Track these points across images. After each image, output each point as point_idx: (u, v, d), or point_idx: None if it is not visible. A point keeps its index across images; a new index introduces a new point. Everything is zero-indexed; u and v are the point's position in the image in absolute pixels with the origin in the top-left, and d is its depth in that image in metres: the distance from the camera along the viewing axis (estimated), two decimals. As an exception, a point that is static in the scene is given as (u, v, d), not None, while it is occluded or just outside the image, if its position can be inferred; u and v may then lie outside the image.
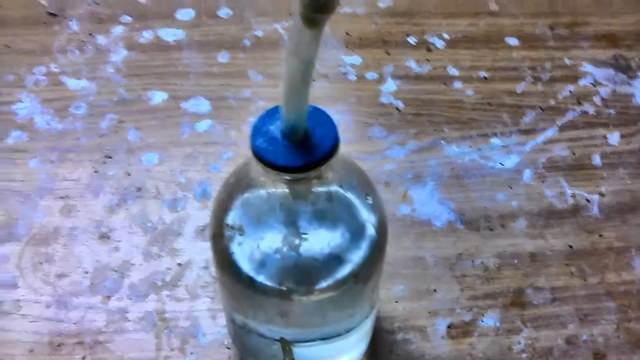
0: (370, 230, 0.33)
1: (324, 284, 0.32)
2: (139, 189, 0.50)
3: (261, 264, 0.32)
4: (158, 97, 0.55)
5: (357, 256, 0.33)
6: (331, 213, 0.32)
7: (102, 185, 0.50)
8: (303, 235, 0.32)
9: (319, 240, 0.32)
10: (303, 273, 0.33)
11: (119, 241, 0.47)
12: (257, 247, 0.32)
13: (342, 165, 0.32)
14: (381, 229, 0.34)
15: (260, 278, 0.32)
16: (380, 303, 0.45)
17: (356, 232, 0.33)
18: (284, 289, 0.32)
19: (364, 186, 0.34)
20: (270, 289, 0.32)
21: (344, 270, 0.32)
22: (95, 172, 0.50)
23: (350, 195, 0.33)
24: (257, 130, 0.29)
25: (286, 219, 0.32)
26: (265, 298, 0.33)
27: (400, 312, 0.45)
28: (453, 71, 0.57)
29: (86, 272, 0.46)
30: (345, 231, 0.33)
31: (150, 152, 0.52)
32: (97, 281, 0.45)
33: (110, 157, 0.51)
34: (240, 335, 0.39)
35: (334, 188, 0.32)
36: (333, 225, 0.33)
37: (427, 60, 0.58)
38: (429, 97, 0.55)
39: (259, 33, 0.59)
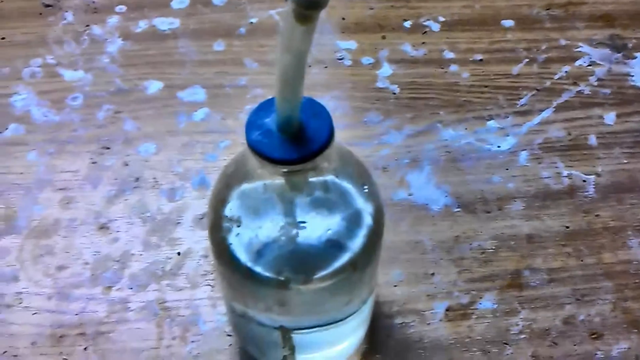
0: (367, 219, 0.34)
1: (321, 273, 0.32)
2: (137, 179, 0.50)
3: (259, 255, 0.33)
4: (154, 86, 0.55)
5: (354, 245, 0.33)
6: (328, 203, 0.33)
7: (101, 176, 0.50)
8: (300, 225, 0.32)
9: (316, 230, 0.33)
10: (301, 263, 0.33)
11: (119, 232, 0.47)
12: (255, 237, 0.32)
13: (337, 155, 0.32)
14: (378, 217, 0.34)
15: (258, 268, 0.32)
16: (378, 288, 0.45)
17: (353, 220, 0.33)
18: (282, 278, 0.32)
19: (360, 175, 0.34)
20: (269, 279, 0.32)
21: (342, 259, 0.33)
22: (93, 163, 0.51)
23: (347, 185, 0.33)
24: (252, 124, 0.29)
25: (283, 209, 0.32)
26: (264, 288, 0.33)
27: (399, 296, 0.45)
28: (449, 54, 0.57)
29: (86, 264, 0.46)
30: (342, 220, 0.33)
31: (147, 142, 0.52)
32: (97, 272, 0.46)
33: (108, 148, 0.51)
34: (240, 323, 0.39)
35: (330, 178, 0.32)
36: (330, 215, 0.33)
37: (423, 43, 0.58)
38: (425, 80, 0.56)
39: (254, 20, 0.59)
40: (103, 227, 0.48)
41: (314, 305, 0.35)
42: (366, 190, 0.34)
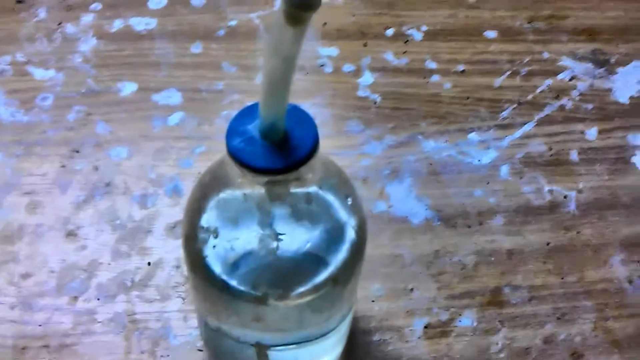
0: (350, 232, 0.32)
1: (301, 288, 0.31)
2: (107, 185, 0.48)
3: (236, 268, 0.31)
4: (128, 88, 0.53)
5: (336, 259, 0.32)
6: (310, 215, 0.31)
7: (70, 180, 0.48)
8: (280, 238, 0.31)
9: (297, 243, 0.31)
10: (279, 277, 0.32)
11: (87, 239, 0.46)
12: (232, 250, 0.31)
13: (321, 166, 0.31)
14: (361, 231, 0.33)
15: (235, 282, 0.31)
16: (356, 303, 0.44)
17: (335, 234, 0.32)
18: (260, 294, 0.31)
19: (344, 187, 0.33)
20: (245, 294, 0.31)
21: (323, 274, 0.31)
22: (62, 166, 0.49)
23: (330, 197, 0.32)
24: (233, 130, 0.28)
25: (262, 220, 0.31)
26: (240, 302, 0.32)
27: (377, 312, 0.44)
28: (431, 64, 0.56)
29: (52, 272, 0.44)
30: (324, 233, 0.32)
31: (119, 146, 0.50)
32: (63, 281, 0.44)
33: (78, 152, 0.49)
34: (213, 338, 0.38)
35: (313, 189, 0.31)
36: (311, 228, 0.31)
37: (405, 52, 0.57)
38: (407, 90, 0.54)
39: (234, 23, 0.57)
40: (71, 234, 0.46)
41: (292, 321, 0.33)
42: (350, 203, 0.33)
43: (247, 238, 0.31)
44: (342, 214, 0.32)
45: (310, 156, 0.27)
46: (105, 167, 0.49)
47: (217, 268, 0.31)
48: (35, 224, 0.46)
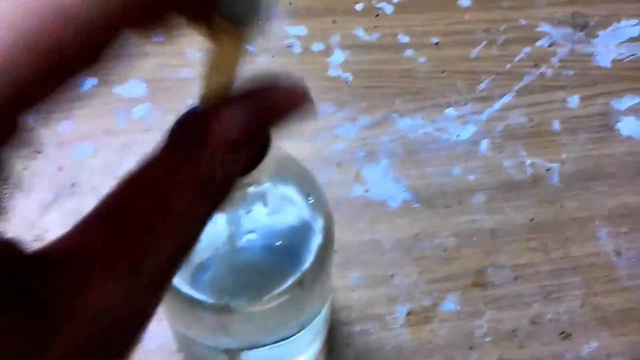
0: (314, 233, 0.31)
1: (265, 296, 0.30)
2: (73, 185, 0.46)
3: (196, 278, 0.29)
4: (87, 82, 0.51)
5: (300, 262, 0.30)
6: (269, 217, 0.29)
7: (33, 182, 0.46)
8: (239, 243, 0.29)
9: (258, 248, 0.30)
10: (242, 284, 0.30)
11: (54, 243, 0.44)
12: (191, 259, 0.29)
13: (276, 164, 0.29)
14: (326, 230, 0.31)
15: (196, 292, 0.29)
16: (335, 293, 0.43)
17: (298, 236, 0.30)
18: (222, 303, 0.29)
19: (304, 184, 0.31)
20: (208, 304, 0.29)
21: (287, 279, 0.30)
22: (24, 169, 0.47)
23: (288, 195, 0.30)
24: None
25: (220, 228, 0.29)
26: (203, 312, 0.30)
27: (357, 301, 0.43)
28: (404, 38, 0.54)
29: (20, 280, 0.43)
30: (285, 236, 0.30)
31: (83, 143, 0.48)
32: (32, 288, 0.42)
33: (40, 152, 0.47)
34: (184, 344, 0.36)
35: (267, 188, 0.29)
36: (272, 231, 0.30)
37: (376, 27, 0.54)
38: (379, 67, 0.52)
39: None
40: (38, 239, 0.44)
41: (259, 326, 0.32)
42: (311, 201, 0.31)
43: (205, 247, 0.29)
44: (304, 213, 0.31)
45: (261, 158, 0.26)
46: (69, 167, 0.47)
47: (177, 279, 0.29)
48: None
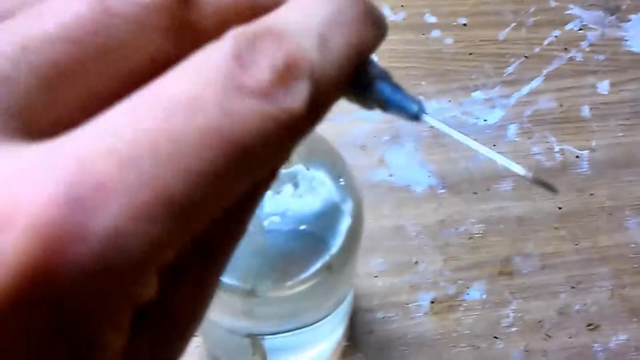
0: (344, 216, 0.30)
1: (292, 279, 0.29)
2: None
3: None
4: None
5: (330, 245, 0.29)
6: (299, 199, 0.28)
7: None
8: (268, 226, 0.28)
9: (286, 230, 0.28)
10: (269, 267, 0.29)
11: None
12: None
13: (306, 144, 0.28)
14: (356, 213, 0.30)
15: (223, 277, 0.28)
16: (357, 279, 0.42)
17: (328, 218, 0.29)
18: (248, 287, 0.28)
19: (335, 166, 0.30)
20: (234, 287, 0.28)
21: (316, 262, 0.29)
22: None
23: (319, 177, 0.29)
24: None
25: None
26: (228, 295, 0.29)
27: (380, 288, 0.42)
28: (431, 18, 0.52)
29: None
30: (315, 218, 0.29)
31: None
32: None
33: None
34: (206, 329, 0.36)
35: (298, 170, 0.28)
36: (301, 212, 0.29)
37: (402, 6, 0.53)
38: (405, 48, 0.51)
39: None
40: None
41: (284, 311, 0.31)
42: (342, 183, 0.30)
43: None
44: (335, 195, 0.29)
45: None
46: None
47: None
48: None
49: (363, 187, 0.45)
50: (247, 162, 0.12)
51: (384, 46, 0.49)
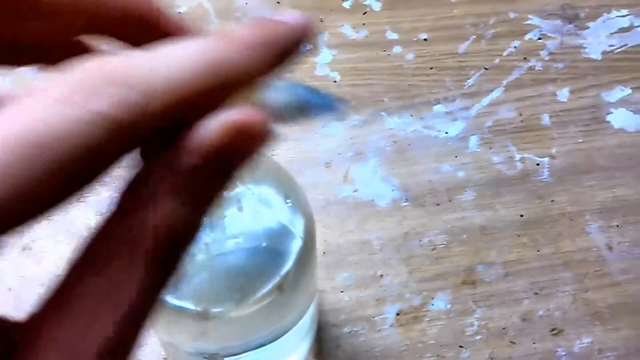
0: (293, 236, 0.30)
1: (244, 301, 0.29)
2: (61, 192, 0.46)
3: (173, 285, 0.29)
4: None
5: (279, 266, 0.30)
6: (246, 221, 0.29)
7: (21, 190, 0.46)
8: (217, 249, 0.29)
9: (236, 254, 0.29)
10: (221, 290, 0.30)
11: (43, 252, 0.44)
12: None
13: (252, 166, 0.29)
14: (307, 232, 0.31)
15: (173, 298, 0.29)
16: (324, 294, 0.42)
17: (276, 239, 0.30)
18: (200, 309, 0.29)
19: (281, 185, 0.31)
20: (186, 310, 0.29)
21: (267, 284, 0.30)
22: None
23: (265, 199, 0.30)
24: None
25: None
26: (182, 319, 0.30)
27: (346, 302, 0.43)
28: (392, 35, 0.54)
29: (10, 289, 0.43)
30: (264, 240, 0.30)
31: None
32: (22, 298, 0.42)
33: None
34: (169, 350, 0.36)
35: (243, 192, 0.29)
36: (250, 236, 0.30)
37: (364, 24, 0.54)
38: (367, 65, 0.52)
39: (183, 9, 0.55)
40: (26, 248, 0.44)
41: (240, 332, 0.32)
42: (289, 204, 0.31)
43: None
44: (282, 216, 0.30)
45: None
46: (58, 174, 0.47)
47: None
48: (-12, 240, 0.44)
49: (328, 203, 0.46)
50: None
51: (346, 64, 0.50)
